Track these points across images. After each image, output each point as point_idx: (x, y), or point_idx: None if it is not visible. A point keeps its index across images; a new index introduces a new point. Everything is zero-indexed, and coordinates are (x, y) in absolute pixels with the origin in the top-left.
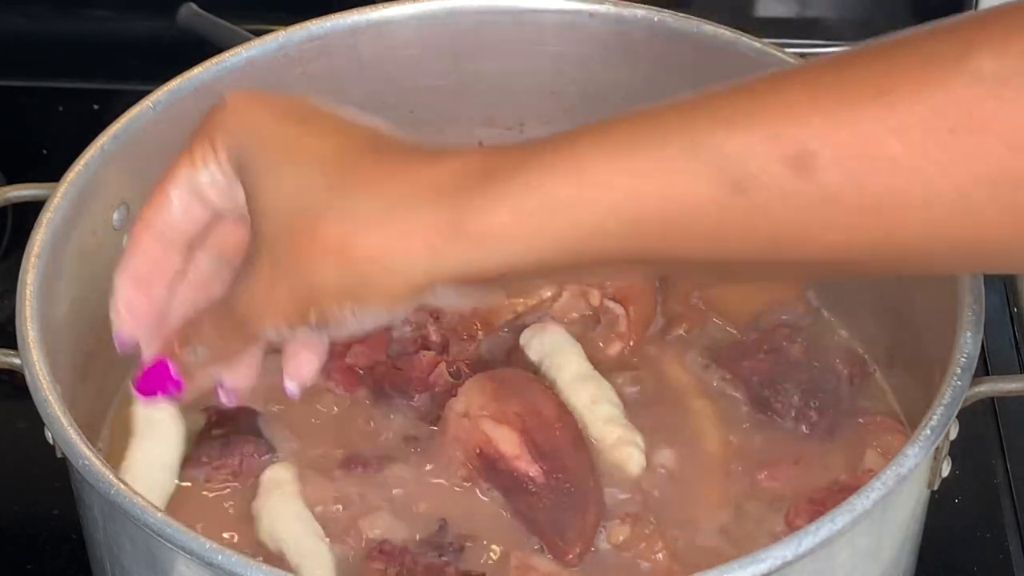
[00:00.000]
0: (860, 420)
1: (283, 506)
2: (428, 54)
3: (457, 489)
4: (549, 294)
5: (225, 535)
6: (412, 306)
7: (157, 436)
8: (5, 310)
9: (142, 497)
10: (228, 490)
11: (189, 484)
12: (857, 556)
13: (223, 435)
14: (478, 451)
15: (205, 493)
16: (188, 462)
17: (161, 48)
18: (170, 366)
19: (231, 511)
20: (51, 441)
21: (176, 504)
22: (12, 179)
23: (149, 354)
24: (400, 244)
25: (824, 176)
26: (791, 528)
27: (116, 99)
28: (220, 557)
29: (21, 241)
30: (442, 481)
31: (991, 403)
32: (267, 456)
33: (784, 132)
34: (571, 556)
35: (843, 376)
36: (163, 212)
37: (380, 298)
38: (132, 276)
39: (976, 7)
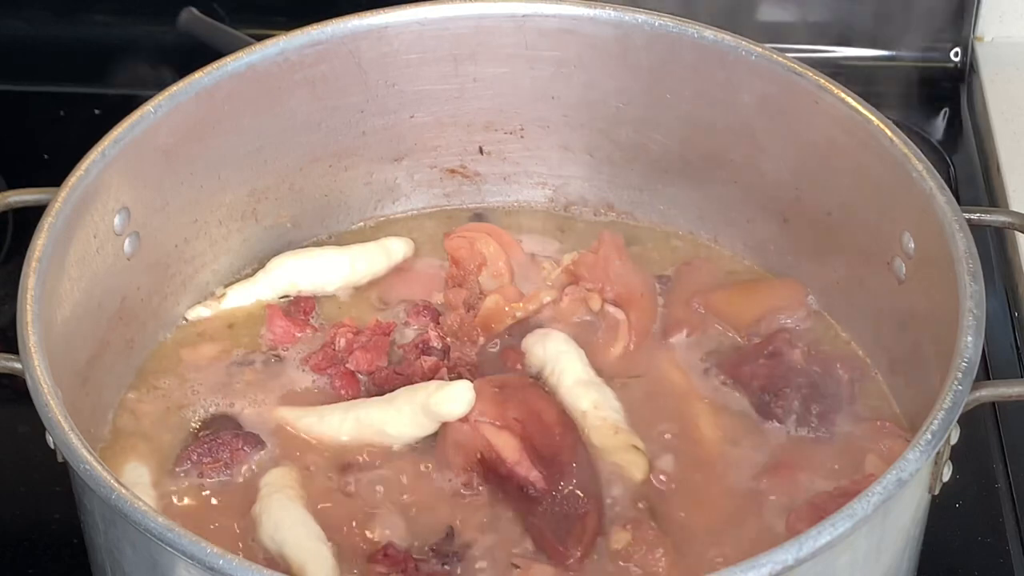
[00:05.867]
0: (861, 424)
1: (284, 509)
2: (428, 59)
3: (457, 494)
4: (550, 299)
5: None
6: None
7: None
8: (6, 315)
9: (143, 502)
10: (225, 493)
11: (186, 488)
12: (858, 560)
13: (211, 434)
14: (479, 456)
15: (202, 494)
16: (178, 460)
17: (162, 53)
18: None
19: (229, 513)
20: (52, 446)
21: (174, 508)
22: (13, 184)
23: None
24: None
25: None
26: (792, 532)
27: (117, 104)
28: (221, 562)
29: (22, 246)
30: (442, 486)
31: (992, 407)
32: (255, 448)
33: None
34: (571, 561)
35: (844, 381)
36: None
37: None
38: None
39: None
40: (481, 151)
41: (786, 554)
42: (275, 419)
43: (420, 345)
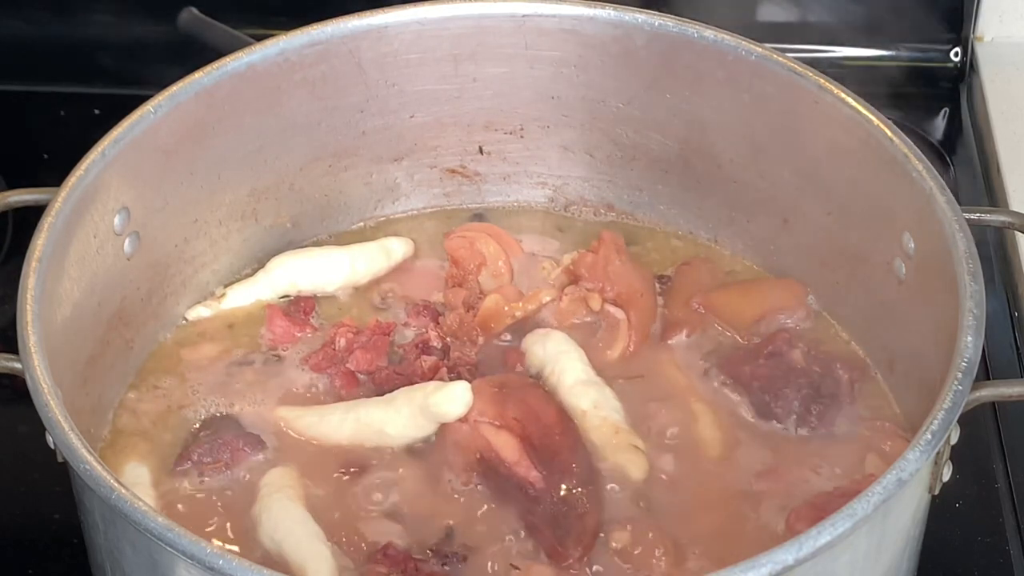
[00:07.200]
0: (861, 424)
1: (284, 509)
2: (428, 59)
3: (457, 494)
4: (550, 299)
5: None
6: None
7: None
8: (6, 315)
9: (143, 502)
10: (225, 493)
11: (186, 488)
12: (858, 560)
13: (211, 434)
14: (478, 456)
15: (202, 495)
16: (178, 460)
17: (162, 52)
18: None
19: (229, 513)
20: (52, 446)
21: (174, 508)
22: (13, 184)
23: None
24: None
25: None
26: (792, 532)
27: (117, 103)
28: (221, 562)
29: (22, 246)
30: (442, 486)
31: (992, 407)
32: (256, 449)
33: None
34: (571, 561)
35: (843, 381)
36: None
37: None
38: None
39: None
40: (481, 151)
41: (786, 554)
42: (275, 419)
43: (420, 345)
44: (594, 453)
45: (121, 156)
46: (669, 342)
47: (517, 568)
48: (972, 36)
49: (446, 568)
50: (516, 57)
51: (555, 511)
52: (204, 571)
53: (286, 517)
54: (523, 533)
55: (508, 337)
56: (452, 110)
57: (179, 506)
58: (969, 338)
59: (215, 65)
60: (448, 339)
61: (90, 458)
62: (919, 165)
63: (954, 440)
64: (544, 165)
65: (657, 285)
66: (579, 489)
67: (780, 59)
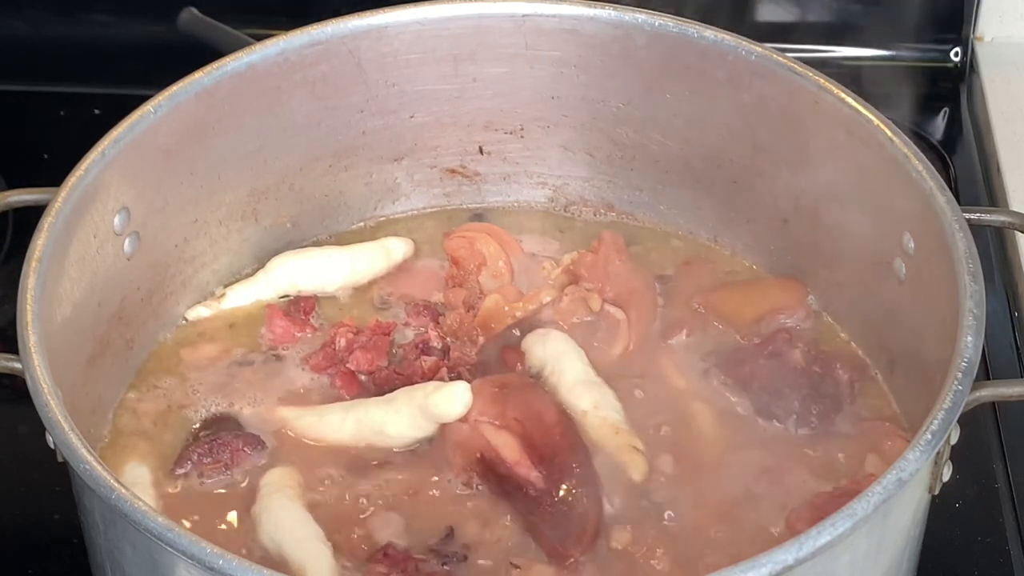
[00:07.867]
0: (861, 425)
1: (284, 509)
2: (428, 59)
3: (457, 494)
4: (550, 299)
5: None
6: None
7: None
8: (6, 314)
9: (143, 502)
10: (225, 493)
11: (186, 488)
12: (858, 560)
13: (211, 434)
14: (478, 456)
15: (202, 494)
16: (178, 460)
17: (162, 52)
18: None
19: (229, 513)
20: (52, 445)
21: (174, 508)
22: (13, 184)
23: None
24: None
25: None
26: (792, 532)
27: (117, 103)
28: (221, 562)
29: (22, 246)
30: (442, 486)
31: (992, 407)
32: (256, 449)
33: None
34: (571, 561)
35: (843, 381)
36: None
37: None
38: None
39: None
40: (481, 151)
41: (786, 554)
42: (275, 419)
43: (420, 345)
44: (594, 453)
45: (121, 156)
46: (669, 342)
47: (517, 568)
48: (972, 36)
49: (446, 568)
50: (516, 57)
51: (555, 511)
52: (204, 571)
53: (286, 517)
54: (523, 533)
55: (508, 337)
56: (452, 110)
57: (179, 506)
58: (969, 338)
59: (215, 65)
60: (448, 339)
61: (90, 458)
62: (919, 165)
63: (954, 440)
64: (544, 165)
65: (657, 285)
66: (579, 489)
67: (780, 59)
